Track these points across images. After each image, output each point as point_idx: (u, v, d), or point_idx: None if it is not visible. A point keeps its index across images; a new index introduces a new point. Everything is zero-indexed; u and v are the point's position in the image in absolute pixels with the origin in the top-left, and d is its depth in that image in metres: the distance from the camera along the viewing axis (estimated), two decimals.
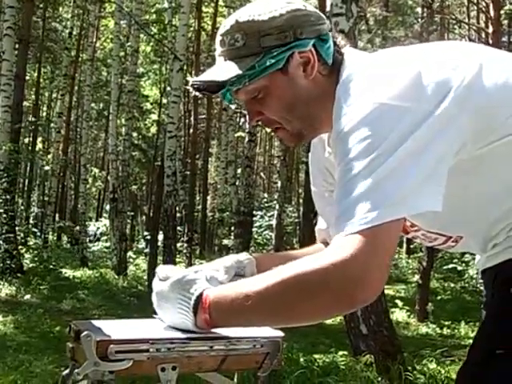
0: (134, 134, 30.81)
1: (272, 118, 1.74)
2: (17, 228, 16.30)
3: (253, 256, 1.94)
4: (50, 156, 28.20)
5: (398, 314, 12.31)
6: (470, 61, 1.62)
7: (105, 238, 27.74)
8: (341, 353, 7.36)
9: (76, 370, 1.57)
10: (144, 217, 42.56)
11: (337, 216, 1.53)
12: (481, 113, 1.56)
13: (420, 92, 1.54)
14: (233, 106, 1.87)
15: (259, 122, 1.79)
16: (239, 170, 24.27)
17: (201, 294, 1.64)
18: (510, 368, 1.54)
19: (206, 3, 29.37)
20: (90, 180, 33.36)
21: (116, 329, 1.67)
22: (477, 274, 13.39)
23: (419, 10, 28.07)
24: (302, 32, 1.67)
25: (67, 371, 1.62)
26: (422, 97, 1.53)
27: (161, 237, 17.07)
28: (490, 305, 1.70)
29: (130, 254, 23.22)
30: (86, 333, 1.56)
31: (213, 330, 1.70)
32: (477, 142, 1.58)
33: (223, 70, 1.68)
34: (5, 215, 14.38)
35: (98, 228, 31.73)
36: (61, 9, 31.08)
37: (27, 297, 12.31)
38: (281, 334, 1.78)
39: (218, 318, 1.62)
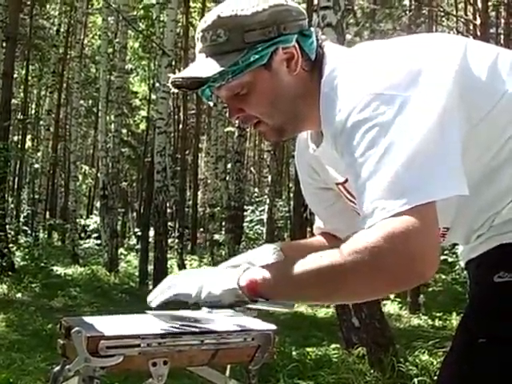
0: (124, 131, 30.76)
1: (252, 114, 1.73)
2: (7, 226, 16.27)
3: (279, 248, 1.96)
4: (39, 154, 28.16)
5: (390, 307, 12.33)
6: (455, 51, 1.62)
7: (96, 234, 27.69)
8: (333, 346, 7.38)
9: (67, 367, 1.57)
10: (135, 213, 42.49)
11: (366, 208, 1.48)
12: (465, 105, 1.57)
13: (414, 79, 1.53)
14: (211, 103, 1.85)
15: (238, 119, 1.77)
16: (229, 165, 24.29)
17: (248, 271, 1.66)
18: (491, 356, 1.54)
19: None
20: (80, 177, 33.29)
21: (107, 325, 1.67)
22: None
23: (407, 2, 28.08)
24: (285, 27, 1.66)
25: (58, 368, 1.62)
26: (416, 84, 1.52)
27: (152, 233, 17.07)
28: (473, 294, 1.71)
29: (121, 250, 23.23)
30: (76, 329, 1.56)
31: (204, 326, 1.70)
32: (462, 136, 1.58)
33: (205, 66, 1.65)
34: None
35: (89, 225, 31.68)
36: (48, 6, 30.96)
37: (19, 295, 12.28)
38: (272, 327, 1.78)
39: (270, 285, 1.61)
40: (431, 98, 1.51)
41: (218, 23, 1.66)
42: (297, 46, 1.68)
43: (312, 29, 1.74)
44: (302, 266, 1.55)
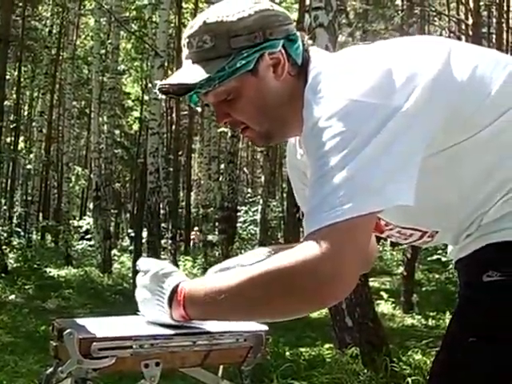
0: (117, 132, 30.73)
1: (239, 119, 1.73)
2: (0, 228, 16.22)
3: (273, 251, 1.95)
4: (32, 155, 28.05)
5: (384, 306, 12.34)
6: (437, 56, 1.62)
7: (89, 236, 27.66)
8: (327, 346, 7.39)
9: (59, 369, 1.57)
10: (128, 214, 42.45)
11: (308, 211, 1.53)
12: (449, 107, 1.58)
13: (389, 88, 1.54)
14: (199, 109, 1.86)
15: (226, 124, 1.77)
16: (222, 166, 24.30)
17: (176, 287, 1.65)
18: (481, 355, 1.55)
19: None
20: (73, 178, 33.25)
21: (99, 326, 1.67)
22: None
23: (399, 2, 28.12)
24: (271, 32, 1.65)
25: (51, 370, 1.62)
26: (391, 92, 1.53)
27: (145, 234, 17.04)
28: (462, 293, 1.71)
29: (114, 251, 23.19)
30: (68, 331, 1.56)
31: (196, 325, 1.71)
32: (448, 138, 1.60)
33: (192, 72, 1.65)
34: None
35: (82, 226, 31.63)
36: (40, 7, 30.91)
37: (12, 297, 12.28)
38: (264, 327, 1.79)
39: (193, 311, 1.64)
40: (403, 108, 1.52)
41: (204, 29, 1.65)
42: (283, 51, 1.68)
43: (298, 33, 1.73)
44: (220, 283, 1.59)
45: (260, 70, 1.66)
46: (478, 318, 1.59)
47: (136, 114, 35.90)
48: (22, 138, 34.78)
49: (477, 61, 1.65)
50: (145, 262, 1.78)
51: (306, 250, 1.47)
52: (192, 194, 35.71)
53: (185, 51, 1.71)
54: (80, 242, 28.15)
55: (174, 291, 1.65)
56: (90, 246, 25.64)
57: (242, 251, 20.08)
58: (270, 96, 1.69)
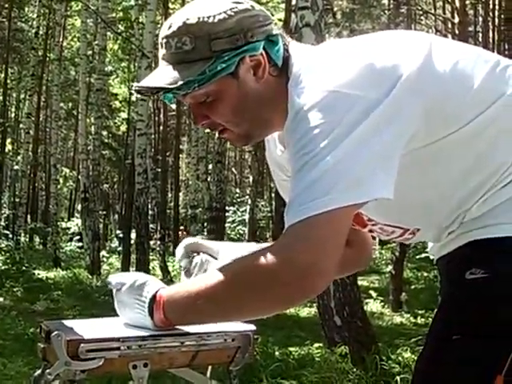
0: (104, 133, 30.70)
1: (217, 121, 1.70)
2: None
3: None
4: (19, 157, 28.00)
5: (372, 305, 12.36)
6: (419, 50, 1.62)
7: (77, 237, 27.58)
8: (316, 345, 7.38)
9: (47, 371, 1.57)
10: (116, 215, 42.36)
11: (288, 203, 1.53)
12: (431, 100, 1.58)
13: (370, 80, 1.54)
14: (173, 106, 1.84)
15: (204, 125, 1.75)
16: (210, 166, 24.25)
17: (154, 295, 1.66)
18: (465, 353, 1.56)
19: (172, 0, 29.24)
20: (61, 180, 33.13)
21: (87, 328, 1.68)
22: None
23: (386, 1, 28.18)
24: (252, 34, 1.62)
25: (39, 372, 1.62)
26: (372, 84, 1.53)
27: (133, 235, 17.02)
28: (445, 291, 1.72)
29: (103, 253, 23.12)
30: (56, 333, 1.56)
31: (184, 327, 1.71)
32: (430, 133, 1.60)
33: (171, 75, 1.61)
34: None
35: (70, 228, 31.56)
36: (26, 8, 30.78)
37: (0, 299, 12.22)
38: (252, 327, 1.79)
39: (173, 316, 1.64)
40: (384, 100, 1.52)
41: (184, 30, 1.61)
42: (263, 52, 1.66)
43: (278, 31, 1.71)
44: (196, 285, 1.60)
45: (240, 73, 1.64)
46: (461, 316, 1.60)
47: (123, 115, 35.84)
48: (9, 140, 34.59)
49: (458, 56, 1.65)
50: (116, 278, 1.78)
51: (285, 244, 1.49)
52: (180, 194, 35.65)
53: (161, 51, 1.67)
54: (68, 244, 28.07)
55: (153, 300, 1.66)
56: (79, 247, 25.57)
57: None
58: (250, 98, 1.67)
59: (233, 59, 1.61)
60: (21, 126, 31.70)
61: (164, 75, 1.63)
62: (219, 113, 1.68)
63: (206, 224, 21.87)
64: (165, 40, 1.64)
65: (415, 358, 6.50)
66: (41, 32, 25.37)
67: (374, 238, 2.03)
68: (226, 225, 23.48)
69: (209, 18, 1.61)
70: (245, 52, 1.62)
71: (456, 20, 20.65)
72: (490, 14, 24.90)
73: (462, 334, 1.57)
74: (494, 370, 1.51)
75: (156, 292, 1.67)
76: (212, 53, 1.60)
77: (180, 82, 1.60)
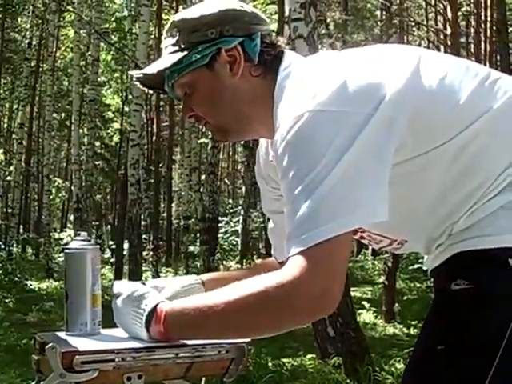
0: (97, 144, 30.58)
1: (199, 113, 1.79)
2: None
3: (201, 279, 1.99)
4: (12, 167, 27.88)
5: (365, 316, 12.34)
6: (407, 64, 1.64)
7: None
8: (309, 356, 7.38)
9: (42, 383, 1.57)
10: (109, 226, 42.26)
11: (288, 235, 1.55)
12: (418, 115, 1.59)
13: (357, 96, 1.55)
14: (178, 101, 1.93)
15: (191, 118, 1.83)
16: (203, 177, 24.25)
17: (155, 308, 1.67)
18: (449, 363, 1.56)
19: (165, 11, 29.26)
20: (54, 191, 33.03)
21: (81, 340, 1.68)
22: None
23: (378, 13, 28.25)
24: (228, 29, 1.71)
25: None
26: (359, 101, 1.55)
27: (126, 246, 16.99)
28: (433, 302, 1.73)
29: None
30: (50, 344, 1.56)
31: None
32: (416, 146, 1.61)
33: (158, 64, 1.75)
34: None
35: (63, 239, 31.46)
36: (20, 19, 30.77)
37: None
38: (246, 339, 1.80)
39: (173, 330, 1.66)
40: (372, 118, 1.53)
41: (173, 25, 1.76)
42: (240, 48, 1.73)
43: (266, 33, 1.78)
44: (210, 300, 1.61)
45: (216, 66, 1.73)
46: (445, 326, 1.61)
47: (116, 125, 35.76)
48: (1, 151, 34.50)
49: (447, 70, 1.66)
50: (118, 285, 1.84)
51: (294, 271, 1.51)
52: (173, 205, 35.62)
53: (162, 45, 1.81)
54: (61, 255, 27.98)
55: (153, 312, 1.67)
56: None
57: (224, 262, 20.07)
58: (225, 92, 1.74)
59: (207, 50, 1.71)
60: (13, 136, 31.66)
61: (154, 64, 1.78)
62: (195, 103, 1.77)
63: (198, 235, 21.83)
64: (164, 35, 1.79)
65: None
66: (34, 42, 25.31)
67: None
68: (219, 235, 23.42)
69: (192, 14, 1.73)
70: (217, 44, 1.71)
71: (448, 31, 20.73)
72: (482, 25, 24.99)
73: (446, 345, 1.58)
74: (479, 381, 1.52)
75: (156, 305, 1.68)
76: (189, 44, 1.72)
77: (158, 69, 1.74)
